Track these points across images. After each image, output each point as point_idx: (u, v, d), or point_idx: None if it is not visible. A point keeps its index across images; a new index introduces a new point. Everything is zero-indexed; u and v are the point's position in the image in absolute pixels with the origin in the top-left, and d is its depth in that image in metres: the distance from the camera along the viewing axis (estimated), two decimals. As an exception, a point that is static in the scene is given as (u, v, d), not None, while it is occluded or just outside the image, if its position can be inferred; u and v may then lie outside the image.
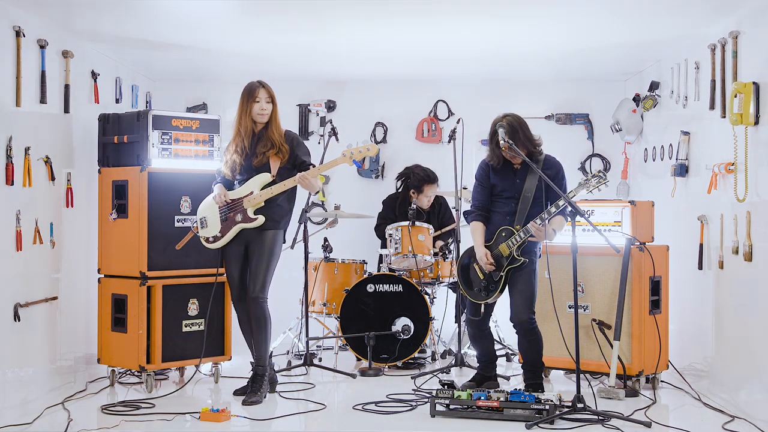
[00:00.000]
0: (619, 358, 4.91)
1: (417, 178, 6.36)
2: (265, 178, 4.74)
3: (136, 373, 5.28)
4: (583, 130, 7.00)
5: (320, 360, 5.77)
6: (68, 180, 5.26)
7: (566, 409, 4.29)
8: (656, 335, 5.02)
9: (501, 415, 4.27)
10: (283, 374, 5.40)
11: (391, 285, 5.80)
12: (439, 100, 7.07)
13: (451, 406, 4.39)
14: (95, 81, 5.65)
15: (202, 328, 5.21)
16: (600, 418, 4.25)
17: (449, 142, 6.28)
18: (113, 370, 5.15)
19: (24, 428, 4.14)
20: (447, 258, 6.12)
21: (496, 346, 5.38)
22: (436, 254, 6.04)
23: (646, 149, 6.36)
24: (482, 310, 4.85)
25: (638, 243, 4.99)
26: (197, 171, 5.20)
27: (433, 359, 5.99)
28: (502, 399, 4.30)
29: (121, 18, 5.00)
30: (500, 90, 6.95)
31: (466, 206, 5.69)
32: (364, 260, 6.22)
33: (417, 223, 5.89)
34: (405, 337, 5.70)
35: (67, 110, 5.26)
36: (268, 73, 6.57)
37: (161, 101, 6.81)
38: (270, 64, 6.35)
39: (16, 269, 4.64)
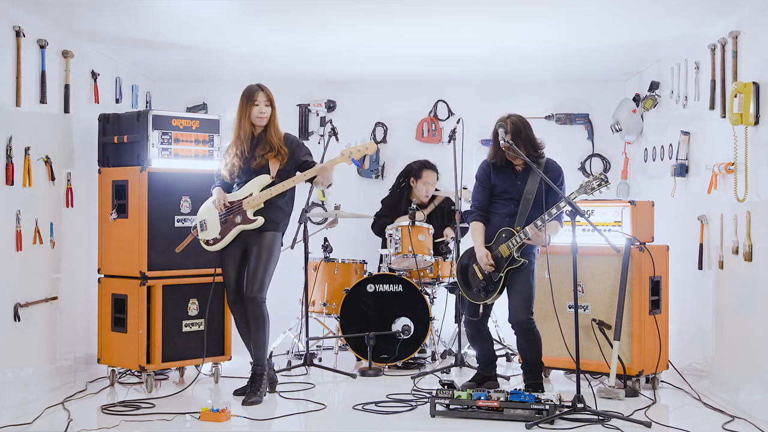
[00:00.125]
0: (619, 358, 4.91)
1: (417, 164, 6.46)
2: (264, 179, 4.75)
3: (136, 373, 5.28)
4: (583, 130, 7.00)
5: (320, 360, 5.77)
6: (68, 180, 5.27)
7: (566, 409, 4.29)
8: (656, 335, 5.02)
9: (501, 415, 4.27)
10: (283, 374, 5.40)
11: (391, 285, 5.81)
12: (439, 100, 7.07)
13: (451, 406, 4.39)
14: (95, 81, 5.65)
15: (202, 328, 5.21)
16: (600, 418, 4.25)
17: (449, 142, 6.28)
18: (113, 370, 5.15)
19: (24, 428, 4.14)
20: (447, 258, 6.12)
21: (496, 347, 5.39)
22: (448, 244, 6.06)
23: (646, 149, 6.36)
24: (481, 310, 4.85)
25: (638, 243, 4.99)
26: (197, 171, 5.20)
27: (433, 359, 5.99)
28: (502, 399, 4.30)
29: (121, 18, 5.00)
30: (500, 90, 6.95)
31: (466, 206, 5.70)
32: (364, 260, 6.22)
33: (417, 223, 5.89)
34: (405, 337, 5.70)
35: (67, 110, 5.26)
36: (268, 73, 6.60)
37: (161, 101, 6.81)
38: (270, 64, 6.35)
39: (16, 269, 4.64)
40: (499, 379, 5.09)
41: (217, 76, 6.88)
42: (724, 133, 4.80)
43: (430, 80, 6.97)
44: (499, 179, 4.84)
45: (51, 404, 4.56)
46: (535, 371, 4.82)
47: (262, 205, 4.76)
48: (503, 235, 4.74)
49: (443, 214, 6.50)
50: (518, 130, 4.69)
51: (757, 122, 4.46)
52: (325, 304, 5.99)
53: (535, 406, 4.23)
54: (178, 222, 5.13)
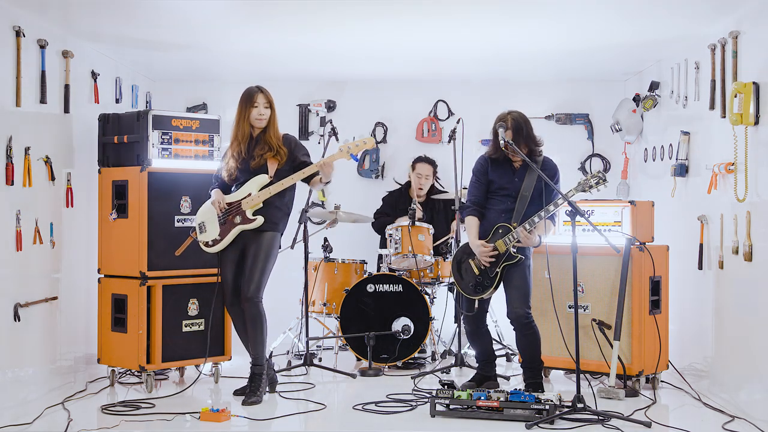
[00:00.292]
0: (619, 358, 4.91)
1: (414, 158, 6.48)
2: (262, 179, 4.75)
3: (136, 373, 5.28)
4: (583, 130, 7.00)
5: (320, 360, 5.78)
6: (68, 180, 5.27)
7: (566, 409, 4.29)
8: (656, 335, 5.02)
9: (501, 415, 4.27)
10: (283, 374, 5.40)
11: (391, 285, 5.80)
12: (439, 100, 7.07)
13: (451, 406, 4.39)
14: (95, 81, 5.65)
15: (202, 328, 5.21)
16: (600, 418, 4.25)
17: (449, 142, 6.28)
18: (113, 370, 5.15)
19: (24, 428, 4.14)
20: (447, 258, 6.12)
21: (496, 346, 5.38)
22: (449, 244, 6.07)
23: (646, 149, 6.36)
24: (476, 306, 4.86)
25: (638, 243, 4.99)
26: (197, 171, 5.20)
27: (433, 359, 5.99)
28: (502, 399, 4.29)
29: (121, 18, 5.00)
30: (500, 90, 6.94)
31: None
32: (364, 260, 6.22)
33: (417, 223, 5.89)
34: (405, 337, 5.70)
35: (67, 110, 5.26)
36: (268, 73, 6.61)
37: (161, 101, 6.81)
38: (270, 64, 6.35)
39: (16, 269, 4.64)
40: (499, 379, 5.09)
41: (217, 76, 6.88)
42: (724, 133, 4.80)
43: (430, 80, 6.97)
44: (497, 175, 4.85)
45: (51, 404, 4.56)
46: (534, 369, 4.82)
47: (261, 205, 4.76)
48: (500, 231, 4.75)
49: (444, 215, 6.51)
50: (519, 127, 4.72)
51: (757, 122, 4.46)
52: (325, 304, 5.99)
53: (535, 406, 4.23)
54: (178, 222, 5.13)
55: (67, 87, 5.25)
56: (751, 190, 4.52)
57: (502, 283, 4.79)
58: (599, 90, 6.95)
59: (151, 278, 5.00)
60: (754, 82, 4.46)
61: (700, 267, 5.19)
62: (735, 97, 4.52)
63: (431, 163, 6.50)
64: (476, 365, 5.11)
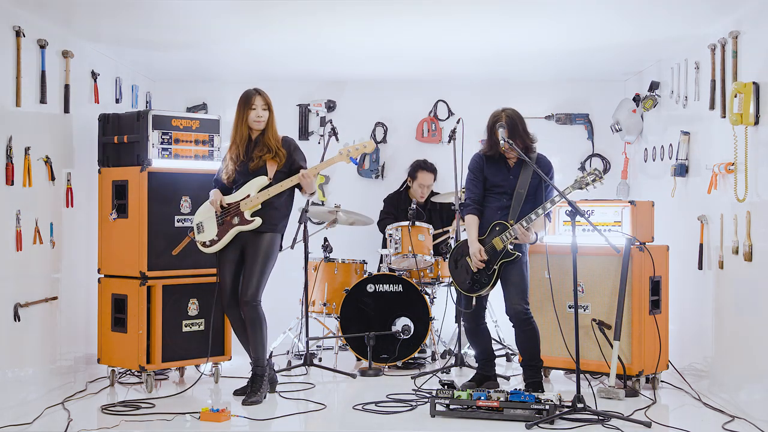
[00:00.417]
0: (619, 358, 4.91)
1: (414, 164, 6.48)
2: (261, 181, 4.75)
3: (136, 373, 5.28)
4: (583, 130, 7.00)
5: (320, 360, 5.78)
6: (68, 180, 5.27)
7: (566, 409, 4.29)
8: (656, 335, 5.02)
9: (501, 415, 4.27)
10: (283, 374, 5.40)
11: (391, 285, 5.81)
12: (439, 100, 7.07)
13: (451, 406, 4.39)
14: (95, 81, 5.65)
15: (202, 328, 5.21)
16: (600, 418, 4.25)
17: (449, 142, 6.27)
18: (113, 370, 5.15)
19: (24, 428, 4.14)
20: (447, 258, 6.11)
21: (496, 347, 5.38)
22: (448, 243, 6.07)
23: (646, 149, 6.36)
24: (474, 302, 4.86)
25: (638, 243, 4.99)
26: (197, 171, 5.20)
27: (433, 359, 5.99)
28: (502, 399, 4.29)
29: (121, 18, 5.00)
30: (500, 90, 6.94)
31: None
32: (364, 260, 6.22)
33: (417, 223, 5.89)
34: (405, 337, 5.70)
35: (67, 110, 5.26)
36: (268, 73, 6.61)
37: (161, 101, 6.81)
38: (270, 64, 6.35)
39: (16, 269, 4.64)
40: (499, 379, 5.09)
41: (217, 76, 6.88)
42: (724, 133, 4.80)
43: (430, 80, 6.97)
44: (492, 172, 4.87)
45: (51, 404, 4.56)
46: (534, 367, 4.82)
47: (260, 207, 4.75)
48: (497, 228, 4.77)
49: (443, 216, 6.51)
50: (514, 124, 4.75)
51: (757, 122, 4.46)
52: (325, 304, 5.99)
53: (535, 406, 4.23)
54: (178, 222, 5.13)
55: (67, 87, 5.25)
56: (751, 190, 4.52)
57: (499, 281, 4.80)
58: (599, 90, 6.95)
59: (151, 278, 5.00)
60: (754, 82, 4.46)
61: (700, 267, 5.19)
62: (735, 97, 4.52)
63: (434, 171, 6.48)
64: (476, 365, 5.11)
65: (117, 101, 6.03)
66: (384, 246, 6.21)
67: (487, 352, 5.05)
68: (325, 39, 5.59)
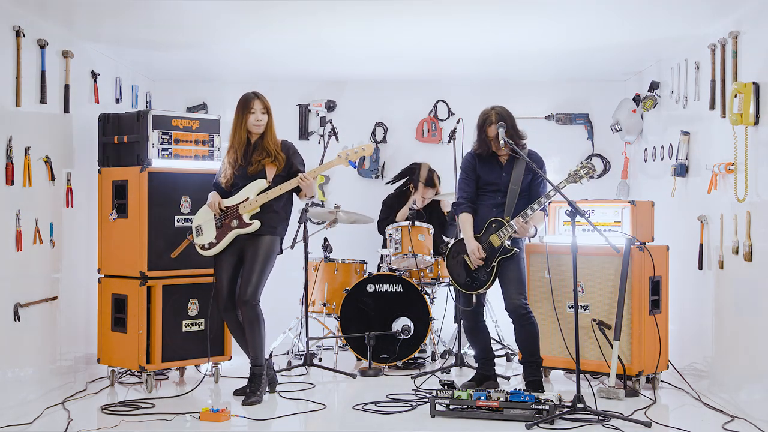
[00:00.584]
0: (619, 358, 4.91)
1: (420, 177, 6.38)
2: (261, 184, 4.75)
3: (136, 373, 5.28)
4: (583, 130, 7.00)
5: (320, 360, 5.78)
6: (68, 180, 5.27)
7: (566, 409, 4.29)
8: (656, 335, 5.02)
9: (501, 415, 4.27)
10: (283, 374, 5.40)
11: (391, 285, 5.81)
12: (439, 100, 7.07)
13: (451, 406, 4.39)
14: (95, 81, 5.65)
15: (202, 328, 5.21)
16: (600, 418, 4.25)
17: (449, 142, 6.28)
18: (113, 370, 5.15)
19: (24, 428, 4.14)
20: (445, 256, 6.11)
21: (496, 346, 5.38)
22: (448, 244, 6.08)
23: (646, 149, 6.36)
24: (473, 300, 4.87)
25: (638, 243, 4.99)
26: (197, 171, 5.20)
27: (433, 359, 5.99)
28: (502, 399, 4.30)
29: (122, 18, 5.00)
30: (500, 90, 6.92)
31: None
32: (364, 260, 6.22)
33: (417, 223, 5.89)
34: (405, 337, 5.70)
35: (67, 110, 5.26)
36: (268, 73, 6.61)
37: (161, 101, 6.81)
38: (270, 64, 6.35)
39: (16, 269, 4.64)
40: (499, 379, 5.09)
41: (217, 76, 6.88)
42: (724, 133, 4.80)
43: (430, 80, 6.97)
44: (484, 170, 4.90)
45: (51, 404, 4.56)
46: (534, 364, 4.82)
47: (259, 209, 4.75)
48: (493, 225, 4.79)
49: (437, 216, 6.50)
50: (505, 121, 4.75)
51: (757, 122, 4.46)
52: (325, 304, 5.99)
53: (535, 406, 4.23)
54: (178, 222, 5.13)
55: (67, 87, 5.25)
56: (751, 190, 4.52)
57: (497, 278, 4.82)
58: (599, 90, 6.95)
59: (151, 278, 5.00)
60: (754, 82, 4.46)
61: (700, 267, 5.19)
62: (735, 97, 4.52)
63: (437, 185, 6.44)
64: (476, 365, 5.11)
65: (117, 101, 6.03)
66: (384, 246, 6.21)
67: (486, 351, 5.06)
68: (325, 39, 5.59)
